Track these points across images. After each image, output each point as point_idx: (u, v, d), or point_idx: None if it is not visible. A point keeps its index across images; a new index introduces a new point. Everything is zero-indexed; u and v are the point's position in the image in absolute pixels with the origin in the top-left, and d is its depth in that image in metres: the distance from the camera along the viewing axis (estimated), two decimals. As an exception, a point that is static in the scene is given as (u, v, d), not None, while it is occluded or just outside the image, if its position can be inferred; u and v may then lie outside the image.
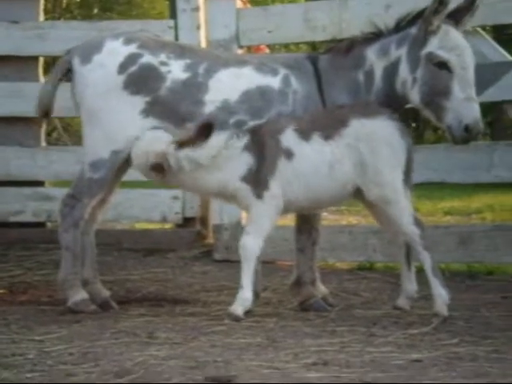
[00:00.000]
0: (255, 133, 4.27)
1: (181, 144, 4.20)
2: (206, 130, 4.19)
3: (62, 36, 6.05)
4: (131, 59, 4.43)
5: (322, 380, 3.22)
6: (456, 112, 4.22)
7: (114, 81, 4.41)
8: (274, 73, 4.47)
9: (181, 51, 4.50)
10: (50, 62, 8.33)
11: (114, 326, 4.12)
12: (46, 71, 6.61)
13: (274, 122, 4.32)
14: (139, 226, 6.63)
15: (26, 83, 6.25)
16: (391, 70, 4.40)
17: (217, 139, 4.20)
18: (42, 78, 6.41)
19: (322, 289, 4.64)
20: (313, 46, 12.34)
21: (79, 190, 4.47)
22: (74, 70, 4.49)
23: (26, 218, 6.22)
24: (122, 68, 4.42)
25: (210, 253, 5.98)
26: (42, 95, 4.60)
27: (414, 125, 14.76)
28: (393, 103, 4.40)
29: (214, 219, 5.97)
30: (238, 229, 5.79)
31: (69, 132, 12.57)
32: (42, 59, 6.49)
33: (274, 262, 5.58)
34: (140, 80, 4.41)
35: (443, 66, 4.26)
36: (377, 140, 4.20)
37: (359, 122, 4.22)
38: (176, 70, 4.42)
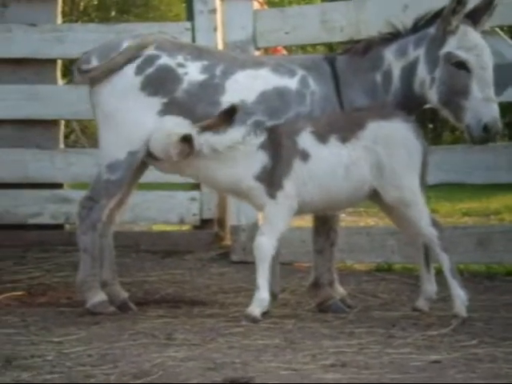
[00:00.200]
0: (272, 132, 4.27)
1: (203, 128, 4.20)
2: (229, 115, 4.19)
3: (80, 39, 6.06)
4: (148, 61, 4.44)
5: (341, 381, 3.21)
6: (475, 112, 4.21)
7: (132, 82, 4.42)
8: (292, 74, 4.46)
9: (198, 53, 4.51)
10: (67, 65, 8.37)
11: (133, 327, 4.13)
12: (65, 74, 6.65)
13: (291, 123, 4.32)
14: (157, 227, 6.64)
15: (43, 86, 6.27)
16: (409, 71, 4.39)
17: (236, 131, 4.20)
18: (60, 81, 6.44)
19: (340, 290, 4.63)
20: (330, 47, 12.30)
21: (97, 192, 4.48)
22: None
23: (45, 220, 6.25)
24: (140, 69, 4.43)
25: (227, 254, 5.98)
26: None
27: (431, 126, 14.70)
28: (411, 104, 4.39)
29: (231, 220, 5.97)
30: (255, 230, 5.77)
31: (86, 134, 12.62)
32: (59, 62, 6.51)
33: (292, 264, 5.57)
34: (157, 81, 4.41)
35: (462, 65, 4.25)
36: (394, 142, 4.19)
37: (377, 125, 4.21)
38: (193, 72, 4.43)
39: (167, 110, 4.41)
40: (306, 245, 4.98)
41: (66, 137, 9.10)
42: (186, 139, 4.16)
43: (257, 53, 5.91)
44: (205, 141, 4.19)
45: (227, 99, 4.39)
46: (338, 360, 3.50)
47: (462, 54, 4.25)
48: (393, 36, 4.46)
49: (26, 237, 6.22)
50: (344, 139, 4.22)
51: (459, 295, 4.13)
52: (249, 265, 5.58)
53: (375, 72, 4.44)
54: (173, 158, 4.20)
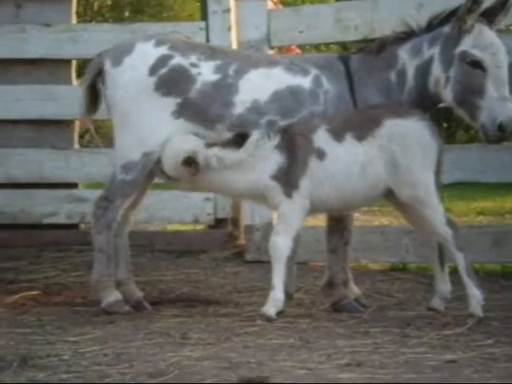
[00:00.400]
0: (287, 132, 4.27)
1: (211, 144, 4.22)
2: (238, 140, 4.21)
3: (95, 39, 6.08)
4: (162, 61, 4.44)
5: (356, 381, 3.21)
6: (490, 111, 4.20)
7: (145, 83, 4.43)
8: (305, 73, 4.46)
9: (211, 52, 4.51)
10: (82, 65, 8.39)
11: (148, 326, 4.14)
12: (79, 74, 6.66)
13: (306, 122, 4.32)
14: (171, 227, 6.65)
15: (58, 86, 6.28)
16: (424, 69, 4.38)
17: (247, 146, 4.21)
18: (74, 81, 6.45)
19: (354, 290, 4.62)
20: (343, 46, 12.29)
21: (112, 192, 4.49)
22: (105, 72, 4.51)
23: (60, 219, 6.26)
24: (153, 70, 4.44)
25: (241, 254, 5.98)
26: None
27: (445, 124, 14.65)
28: (425, 102, 4.38)
29: (245, 220, 5.98)
30: (269, 229, 5.77)
31: (100, 134, 12.64)
32: (74, 62, 6.53)
33: (307, 263, 5.56)
34: (171, 82, 4.42)
35: (477, 64, 4.23)
36: (410, 141, 4.18)
37: (393, 123, 4.21)
38: (206, 72, 4.43)
39: (181, 110, 4.42)
40: (320, 244, 4.97)
41: (81, 137, 9.11)
42: (190, 160, 4.18)
43: (271, 52, 5.91)
44: (214, 154, 4.20)
45: (240, 98, 4.39)
46: (353, 359, 3.49)
47: (478, 53, 4.24)
48: (407, 35, 4.45)
49: (41, 236, 6.24)
50: (360, 137, 4.21)
51: (475, 295, 4.11)
52: (263, 264, 5.59)
53: (389, 71, 4.43)
54: (184, 177, 4.23)
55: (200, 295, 4.99)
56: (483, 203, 9.36)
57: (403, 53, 4.43)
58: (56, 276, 5.52)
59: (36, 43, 6.24)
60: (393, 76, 4.42)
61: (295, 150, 4.23)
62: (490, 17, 4.31)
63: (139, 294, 4.65)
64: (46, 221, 6.26)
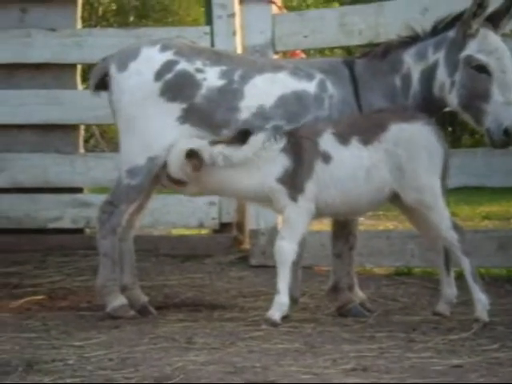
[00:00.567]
0: (293, 135, 4.27)
1: (215, 142, 4.23)
2: (242, 137, 4.22)
3: (100, 43, 6.09)
4: (167, 66, 4.44)
5: (362, 386, 3.21)
6: (495, 115, 4.19)
7: (151, 88, 4.43)
8: (310, 77, 4.46)
9: (216, 58, 4.51)
10: (87, 70, 8.40)
11: (153, 331, 4.14)
12: (84, 79, 6.68)
13: (311, 125, 4.32)
14: (176, 231, 6.66)
15: (63, 91, 6.30)
16: (429, 74, 4.37)
17: (253, 143, 4.21)
18: (79, 86, 6.46)
19: (359, 294, 4.62)
20: (348, 50, 12.30)
21: (117, 197, 4.50)
22: (110, 77, 4.52)
23: (65, 224, 6.27)
24: (159, 75, 4.44)
25: (246, 258, 5.98)
26: None
27: (450, 129, 14.65)
28: (430, 107, 4.38)
29: (250, 224, 5.98)
30: (274, 234, 5.77)
31: (105, 138, 12.68)
32: (79, 67, 6.54)
33: (312, 268, 5.56)
34: (176, 87, 4.42)
35: (482, 69, 4.23)
36: (415, 145, 4.18)
37: (398, 127, 4.20)
38: (211, 78, 4.43)
39: (186, 115, 4.42)
40: (325, 248, 4.97)
41: (86, 141, 9.14)
42: (193, 153, 4.18)
43: (275, 57, 5.91)
44: (219, 152, 4.20)
45: (246, 104, 4.39)
46: (358, 364, 3.49)
47: (483, 58, 4.23)
48: (412, 39, 4.45)
49: (46, 241, 6.25)
50: (366, 141, 4.21)
51: (480, 299, 4.11)
52: (268, 269, 5.59)
53: (394, 75, 4.43)
54: (189, 174, 4.21)
55: (205, 300, 4.99)
56: (489, 208, 9.36)
57: (408, 57, 4.43)
58: (61, 280, 5.53)
59: (41, 48, 6.25)
60: (398, 80, 4.42)
61: (301, 154, 4.22)
62: (495, 21, 4.31)
63: (144, 298, 4.65)
64: (51, 225, 6.27)
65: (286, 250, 4.20)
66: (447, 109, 4.52)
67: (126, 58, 4.51)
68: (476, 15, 4.22)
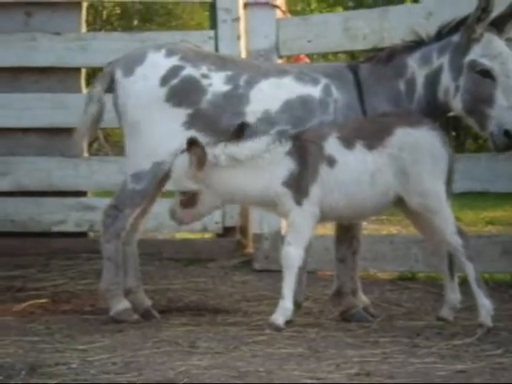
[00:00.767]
0: (298, 139, 4.26)
1: (215, 144, 4.24)
2: (240, 131, 4.22)
3: (104, 47, 6.10)
4: (173, 72, 4.45)
5: (365, 391, 3.21)
6: (499, 120, 4.19)
7: (157, 93, 4.43)
8: (315, 82, 4.46)
9: (221, 63, 4.51)
10: (91, 74, 8.41)
11: (156, 335, 4.14)
12: (89, 83, 6.68)
13: (316, 129, 4.32)
14: (180, 235, 6.65)
15: (68, 94, 6.31)
16: (433, 78, 4.37)
17: (258, 141, 4.21)
18: (84, 90, 6.47)
19: (363, 299, 4.61)
20: (352, 55, 12.30)
21: (121, 201, 4.50)
22: (116, 81, 4.52)
23: (69, 227, 6.28)
24: (164, 80, 4.44)
25: (249, 262, 5.98)
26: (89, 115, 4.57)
27: (454, 134, 14.64)
28: (435, 111, 4.38)
29: (253, 229, 5.98)
30: (277, 238, 5.79)
31: (109, 142, 12.68)
32: (84, 70, 6.55)
33: (315, 272, 5.56)
34: (182, 92, 4.42)
35: (486, 73, 4.23)
36: (420, 150, 4.17)
37: (404, 131, 4.20)
38: (217, 83, 4.43)
39: (192, 121, 4.42)
40: (329, 253, 4.97)
41: (90, 145, 9.14)
42: (193, 142, 4.16)
43: (279, 61, 5.91)
44: (222, 151, 4.19)
45: (251, 109, 4.39)
46: (362, 369, 3.48)
47: (487, 62, 4.23)
48: (416, 44, 4.45)
49: (50, 244, 6.26)
50: (370, 145, 4.20)
51: (484, 305, 4.10)
52: (271, 273, 5.59)
53: (399, 80, 4.43)
54: (196, 172, 4.19)
55: (208, 304, 4.98)
56: (492, 213, 9.34)
57: (412, 62, 4.43)
58: (64, 284, 5.53)
59: (46, 51, 6.26)
60: (402, 85, 4.42)
61: (306, 157, 4.22)
62: (499, 26, 4.31)
63: (148, 302, 4.65)
64: (55, 229, 6.28)
65: (293, 255, 4.19)
66: (451, 113, 4.52)
67: (132, 63, 4.52)
68: (480, 20, 4.22)
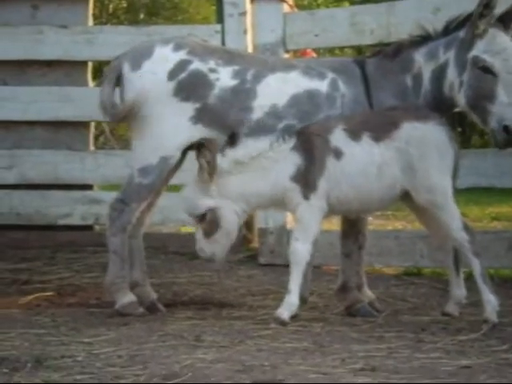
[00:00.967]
0: (303, 133, 4.26)
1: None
2: (232, 140, 4.22)
3: (110, 41, 6.10)
4: (181, 66, 4.44)
5: (371, 386, 3.21)
6: (499, 116, 4.18)
7: (164, 87, 4.42)
8: (322, 77, 4.46)
9: (229, 57, 4.50)
10: (98, 67, 8.41)
11: (162, 328, 4.14)
12: (95, 76, 6.68)
13: (322, 122, 4.31)
14: (185, 229, 6.66)
15: (74, 88, 6.31)
16: (439, 73, 4.37)
17: (261, 142, 4.21)
18: (90, 83, 6.47)
19: (368, 294, 4.61)
20: (358, 50, 12.28)
21: (128, 195, 4.50)
22: (123, 75, 4.51)
23: (74, 221, 6.29)
24: (172, 75, 4.43)
25: (255, 257, 5.98)
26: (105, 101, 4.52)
27: (459, 129, 14.62)
28: (441, 106, 4.38)
29: (259, 223, 5.98)
30: (283, 233, 5.79)
31: (115, 136, 12.69)
32: (90, 64, 6.55)
33: (320, 267, 5.56)
34: (190, 87, 4.42)
35: (488, 70, 4.21)
36: (427, 144, 4.17)
37: (411, 126, 4.20)
38: (224, 78, 4.43)
39: (199, 115, 4.42)
40: (334, 248, 4.96)
41: (96, 139, 9.15)
42: (203, 142, 4.16)
43: (286, 55, 5.91)
44: (221, 160, 4.17)
45: (259, 103, 4.39)
46: (367, 364, 3.48)
47: (488, 58, 4.21)
48: (423, 39, 4.44)
49: (56, 237, 6.27)
50: (377, 138, 4.20)
51: (490, 300, 4.09)
52: (276, 267, 5.60)
53: (405, 75, 4.42)
54: (207, 179, 4.17)
55: (214, 298, 4.99)
56: (498, 208, 9.33)
57: (419, 57, 4.42)
58: (70, 277, 5.53)
59: (52, 45, 6.26)
60: (409, 80, 4.42)
61: (313, 151, 4.21)
62: (506, 22, 4.29)
63: (153, 295, 4.66)
64: (61, 222, 6.29)
65: (301, 251, 4.19)
66: (457, 109, 4.51)
67: (139, 57, 4.50)
68: (483, 15, 4.21)
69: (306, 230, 4.21)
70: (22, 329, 4.18)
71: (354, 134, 4.21)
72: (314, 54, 7.89)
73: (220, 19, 6.19)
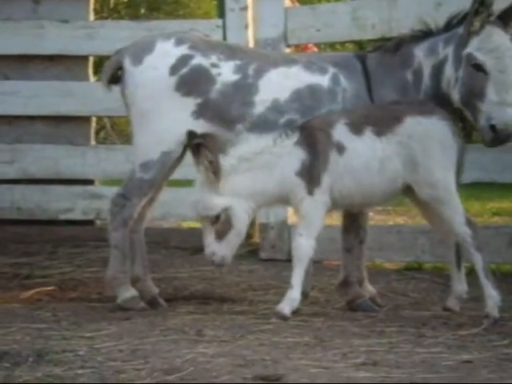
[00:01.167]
0: (306, 128, 4.26)
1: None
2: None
3: (112, 35, 6.08)
4: (183, 61, 4.44)
5: (372, 380, 3.21)
6: (487, 114, 4.17)
7: (166, 82, 4.42)
8: (323, 71, 4.46)
9: (230, 52, 4.50)
10: (99, 62, 8.41)
11: (163, 323, 4.15)
12: (96, 71, 6.68)
13: (324, 117, 4.31)
14: (186, 224, 6.66)
15: (75, 82, 6.31)
16: (438, 69, 4.37)
17: (264, 138, 4.21)
18: (91, 78, 6.47)
19: (369, 289, 4.62)
20: (360, 45, 12.26)
21: (129, 190, 4.50)
22: (124, 70, 4.51)
23: (76, 215, 6.29)
24: (174, 69, 4.43)
25: (256, 252, 5.98)
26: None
27: (461, 125, 14.60)
28: (440, 102, 4.36)
29: (260, 218, 5.97)
30: (284, 228, 5.79)
31: (116, 131, 12.69)
32: (91, 58, 6.55)
33: (321, 262, 5.56)
34: (191, 82, 4.42)
35: (480, 67, 4.20)
36: (431, 139, 4.17)
37: (414, 120, 4.20)
38: (226, 72, 4.42)
39: (201, 110, 4.42)
40: (335, 242, 4.96)
41: (96, 133, 9.15)
42: (192, 136, 4.14)
43: (287, 50, 5.90)
44: (223, 160, 4.16)
45: (261, 98, 4.39)
46: (368, 359, 3.49)
47: (480, 56, 4.20)
48: (424, 34, 4.44)
49: (57, 232, 6.27)
50: (379, 132, 4.20)
51: (492, 295, 4.10)
52: (277, 262, 5.60)
53: (406, 70, 4.42)
54: (213, 172, 4.15)
55: (215, 292, 4.99)
56: (499, 204, 9.32)
57: (420, 52, 4.42)
58: (71, 272, 5.54)
59: (53, 39, 6.25)
60: (409, 75, 4.42)
61: (315, 146, 4.21)
62: (505, 19, 4.28)
63: (155, 290, 4.66)
64: (62, 217, 6.29)
65: (304, 247, 4.19)
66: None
67: (140, 52, 4.50)
68: (478, 13, 4.19)
69: (310, 225, 4.21)
70: (23, 323, 4.18)
71: (357, 128, 4.21)
72: (315, 49, 7.88)
73: (221, 14, 6.18)
